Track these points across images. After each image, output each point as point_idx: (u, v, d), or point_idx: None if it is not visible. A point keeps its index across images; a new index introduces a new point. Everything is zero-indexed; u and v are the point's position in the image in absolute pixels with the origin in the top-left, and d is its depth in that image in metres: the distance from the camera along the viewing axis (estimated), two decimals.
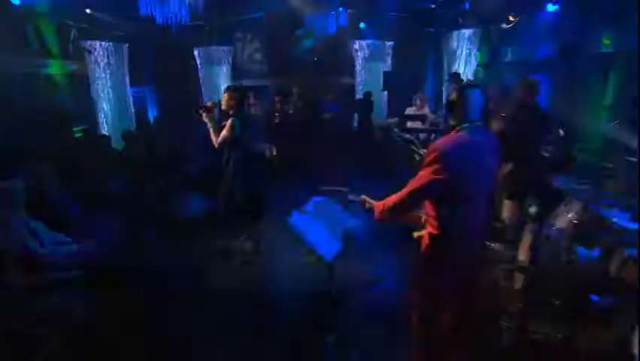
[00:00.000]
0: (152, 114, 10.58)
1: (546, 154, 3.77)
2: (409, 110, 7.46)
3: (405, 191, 2.15)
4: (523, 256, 3.34)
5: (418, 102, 7.43)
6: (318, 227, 2.70)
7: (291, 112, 9.52)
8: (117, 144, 6.37)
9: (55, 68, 8.16)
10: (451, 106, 2.20)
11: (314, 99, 10.03)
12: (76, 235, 3.74)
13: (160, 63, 10.45)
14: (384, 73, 9.48)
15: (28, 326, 2.78)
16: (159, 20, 6.30)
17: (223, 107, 4.05)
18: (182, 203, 4.98)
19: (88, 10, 8.10)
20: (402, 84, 9.38)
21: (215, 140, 4.00)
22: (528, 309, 2.98)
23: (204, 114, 4.02)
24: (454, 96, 2.23)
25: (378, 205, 2.29)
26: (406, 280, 2.45)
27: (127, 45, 9.00)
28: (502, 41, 7.57)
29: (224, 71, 10.53)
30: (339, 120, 10.62)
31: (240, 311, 3.57)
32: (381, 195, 2.38)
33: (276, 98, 9.47)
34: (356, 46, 9.98)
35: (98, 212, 4.19)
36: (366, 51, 9.93)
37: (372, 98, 9.02)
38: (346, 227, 2.89)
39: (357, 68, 10.15)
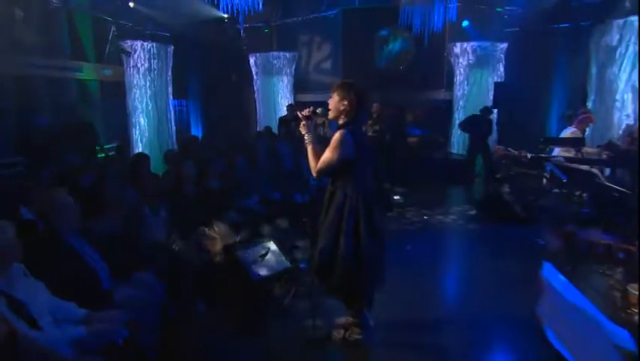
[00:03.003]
0: (195, 132, 9.95)
1: None
2: (567, 133, 6.21)
3: None
4: None
5: (577, 122, 6.06)
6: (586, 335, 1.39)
7: (369, 135, 8.53)
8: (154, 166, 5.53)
9: (87, 73, 7.64)
10: None
11: (398, 119, 9.11)
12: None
13: (208, 71, 9.97)
14: (496, 84, 8.75)
15: None
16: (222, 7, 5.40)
17: (330, 115, 2.98)
18: (247, 258, 3.82)
19: (131, 4, 7.62)
20: (518, 99, 8.34)
21: (314, 164, 2.89)
22: None
23: (301, 125, 2.98)
24: None
25: None
26: None
27: (172, 47, 8.47)
28: None
29: (285, 82, 10.00)
30: (430, 145, 9.44)
31: None
32: None
33: None
34: (457, 49, 9.05)
35: (128, 271, 3.08)
36: (471, 56, 8.97)
37: (491, 117, 7.74)
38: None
39: (458, 78, 9.20)
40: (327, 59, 10.38)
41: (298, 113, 3.03)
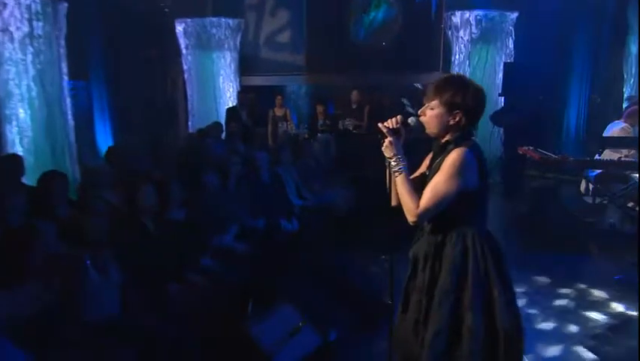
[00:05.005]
0: (100, 129, 8.98)
1: None
2: (615, 129, 6.11)
3: None
4: None
5: (626, 116, 6.07)
6: None
7: (350, 131, 8.68)
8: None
9: None
10: None
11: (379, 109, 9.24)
12: None
13: (115, 42, 9.04)
14: (505, 65, 8.60)
15: None
16: None
17: (429, 131, 2.44)
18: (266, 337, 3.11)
19: None
20: (533, 84, 8.15)
21: (413, 203, 2.35)
22: None
23: (386, 143, 2.40)
24: None
25: None
26: None
27: (66, 5, 7.34)
28: None
29: (227, 60, 9.42)
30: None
31: None
32: None
33: (319, 109, 8.97)
34: (456, 20, 8.82)
35: None
36: (474, 29, 8.80)
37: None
38: None
39: (457, 56, 8.99)
40: (285, 30, 9.83)
41: (380, 125, 2.44)
